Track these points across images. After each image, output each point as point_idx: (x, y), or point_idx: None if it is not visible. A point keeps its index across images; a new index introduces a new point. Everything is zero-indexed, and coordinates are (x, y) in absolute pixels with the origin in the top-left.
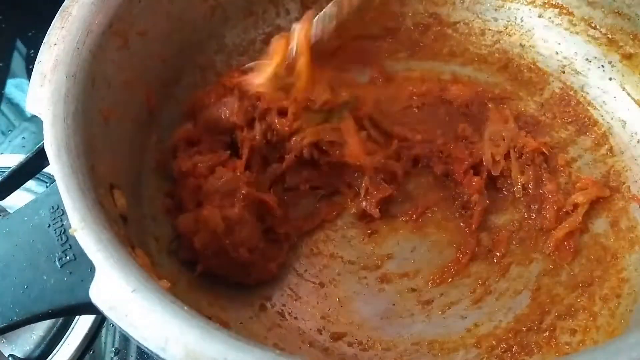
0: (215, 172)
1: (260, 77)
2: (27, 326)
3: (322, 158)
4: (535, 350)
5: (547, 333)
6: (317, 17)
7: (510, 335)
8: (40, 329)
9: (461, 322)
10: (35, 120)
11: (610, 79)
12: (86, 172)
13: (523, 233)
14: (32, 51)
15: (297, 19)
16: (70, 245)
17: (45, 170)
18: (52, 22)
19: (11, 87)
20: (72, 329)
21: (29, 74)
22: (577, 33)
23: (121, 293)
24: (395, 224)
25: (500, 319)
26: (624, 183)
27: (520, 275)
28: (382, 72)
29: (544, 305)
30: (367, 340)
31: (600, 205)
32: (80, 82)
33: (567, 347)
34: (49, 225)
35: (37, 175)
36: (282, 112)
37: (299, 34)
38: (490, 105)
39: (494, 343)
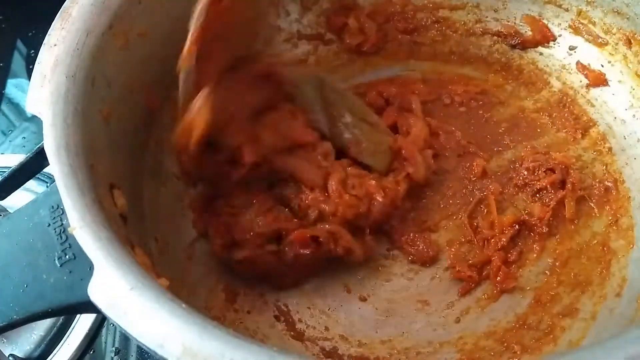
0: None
1: None
2: (28, 325)
3: None
4: (536, 350)
5: (547, 332)
6: None
7: (510, 334)
8: (41, 328)
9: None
10: (35, 120)
11: (610, 78)
12: (86, 172)
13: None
14: (32, 51)
15: (297, 21)
16: (69, 244)
17: (46, 170)
18: (52, 23)
19: (11, 87)
20: (73, 328)
21: (29, 74)
22: (576, 33)
23: (120, 291)
24: None
25: (500, 318)
26: (623, 182)
27: (520, 274)
28: None
29: (544, 305)
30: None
31: (600, 205)
32: (80, 82)
33: (567, 345)
34: (49, 225)
35: (38, 175)
36: None
37: None
38: None
39: (495, 342)
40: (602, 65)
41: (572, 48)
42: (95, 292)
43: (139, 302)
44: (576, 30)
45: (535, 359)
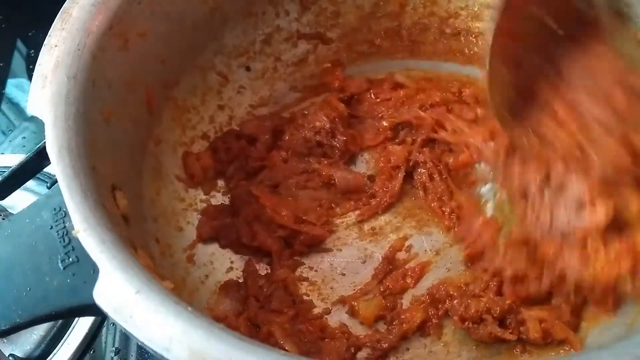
0: None
1: None
2: None
3: None
4: (540, 351)
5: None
6: None
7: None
8: (41, 328)
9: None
10: (35, 120)
11: None
12: (88, 173)
13: None
14: (33, 51)
15: (297, 20)
16: (72, 247)
17: (46, 170)
18: (53, 24)
19: (11, 87)
20: (73, 328)
21: (29, 73)
22: None
23: (125, 294)
24: None
25: None
26: None
27: None
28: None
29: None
30: None
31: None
32: (81, 83)
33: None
34: (52, 227)
35: (38, 175)
36: None
37: None
38: None
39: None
40: None
41: None
42: (101, 295)
43: (144, 305)
44: None
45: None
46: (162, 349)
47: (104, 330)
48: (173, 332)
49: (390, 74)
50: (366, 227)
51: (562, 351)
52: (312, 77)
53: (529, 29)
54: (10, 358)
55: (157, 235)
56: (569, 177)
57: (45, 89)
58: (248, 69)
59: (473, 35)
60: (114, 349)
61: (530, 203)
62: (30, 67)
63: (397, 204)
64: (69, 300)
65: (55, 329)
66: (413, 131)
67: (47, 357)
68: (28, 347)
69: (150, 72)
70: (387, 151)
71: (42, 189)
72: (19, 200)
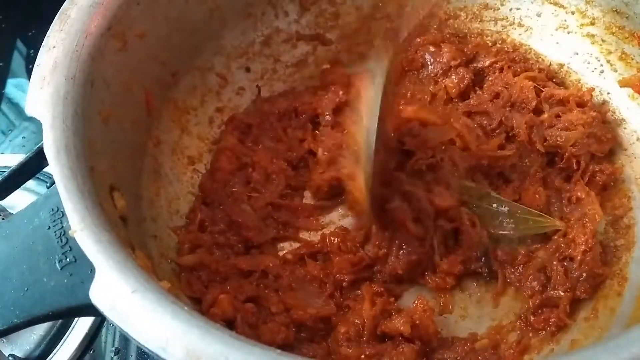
0: None
1: None
2: None
3: None
4: (537, 349)
5: (549, 331)
6: None
7: (512, 333)
8: (41, 328)
9: (462, 322)
10: (35, 120)
11: (609, 76)
12: (86, 174)
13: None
14: (32, 51)
15: (296, 21)
16: (70, 247)
17: (45, 170)
18: (51, 25)
19: (11, 86)
20: (72, 328)
21: (29, 73)
22: (575, 32)
23: (121, 294)
24: None
25: (501, 317)
26: (624, 182)
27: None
28: None
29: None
30: None
31: (601, 204)
32: (80, 84)
33: (569, 345)
34: (49, 228)
35: (37, 175)
36: None
37: None
38: None
39: (497, 341)
40: (602, 64)
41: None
42: (97, 295)
43: (141, 305)
44: (575, 31)
45: (541, 359)
46: (158, 349)
47: (103, 330)
48: (169, 331)
49: None
50: None
51: None
52: (312, 78)
53: None
54: (10, 358)
55: (156, 234)
56: None
57: (44, 89)
58: (247, 70)
59: (472, 36)
60: (113, 349)
61: None
62: (30, 67)
63: None
64: (67, 301)
65: (55, 329)
66: None
67: (47, 357)
68: (28, 347)
69: (149, 73)
70: None
71: (42, 189)
72: (19, 200)
